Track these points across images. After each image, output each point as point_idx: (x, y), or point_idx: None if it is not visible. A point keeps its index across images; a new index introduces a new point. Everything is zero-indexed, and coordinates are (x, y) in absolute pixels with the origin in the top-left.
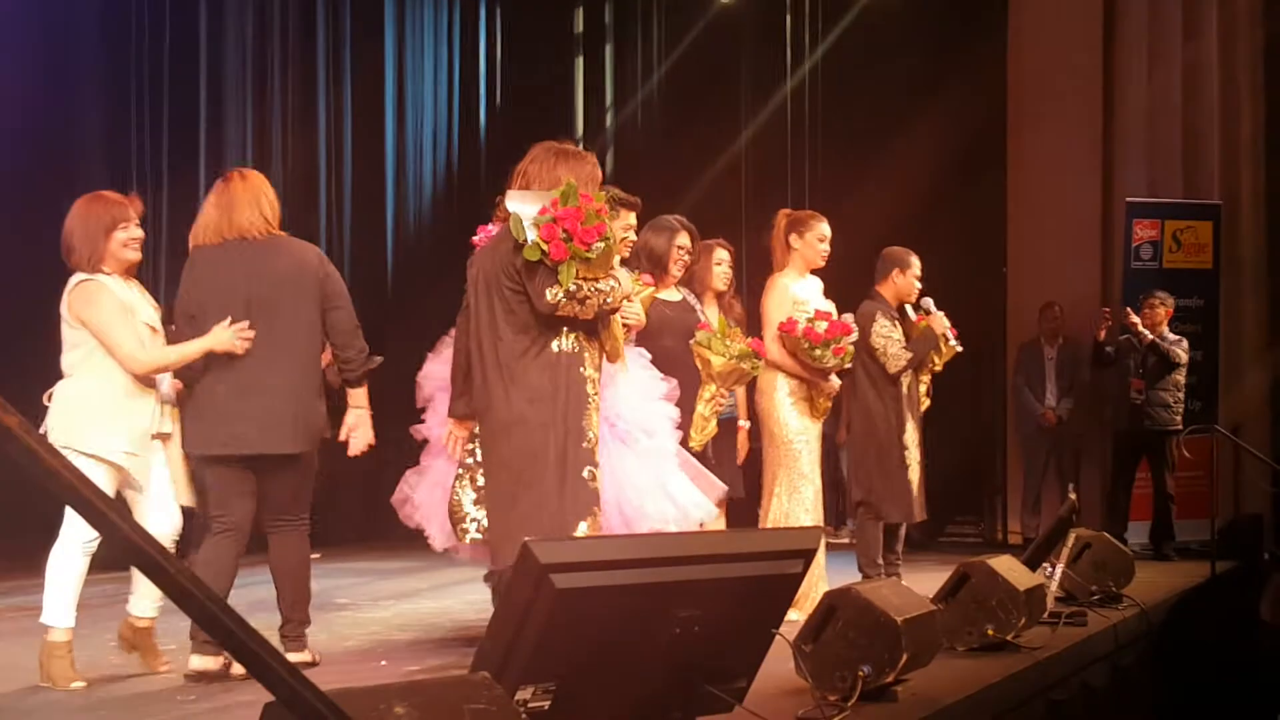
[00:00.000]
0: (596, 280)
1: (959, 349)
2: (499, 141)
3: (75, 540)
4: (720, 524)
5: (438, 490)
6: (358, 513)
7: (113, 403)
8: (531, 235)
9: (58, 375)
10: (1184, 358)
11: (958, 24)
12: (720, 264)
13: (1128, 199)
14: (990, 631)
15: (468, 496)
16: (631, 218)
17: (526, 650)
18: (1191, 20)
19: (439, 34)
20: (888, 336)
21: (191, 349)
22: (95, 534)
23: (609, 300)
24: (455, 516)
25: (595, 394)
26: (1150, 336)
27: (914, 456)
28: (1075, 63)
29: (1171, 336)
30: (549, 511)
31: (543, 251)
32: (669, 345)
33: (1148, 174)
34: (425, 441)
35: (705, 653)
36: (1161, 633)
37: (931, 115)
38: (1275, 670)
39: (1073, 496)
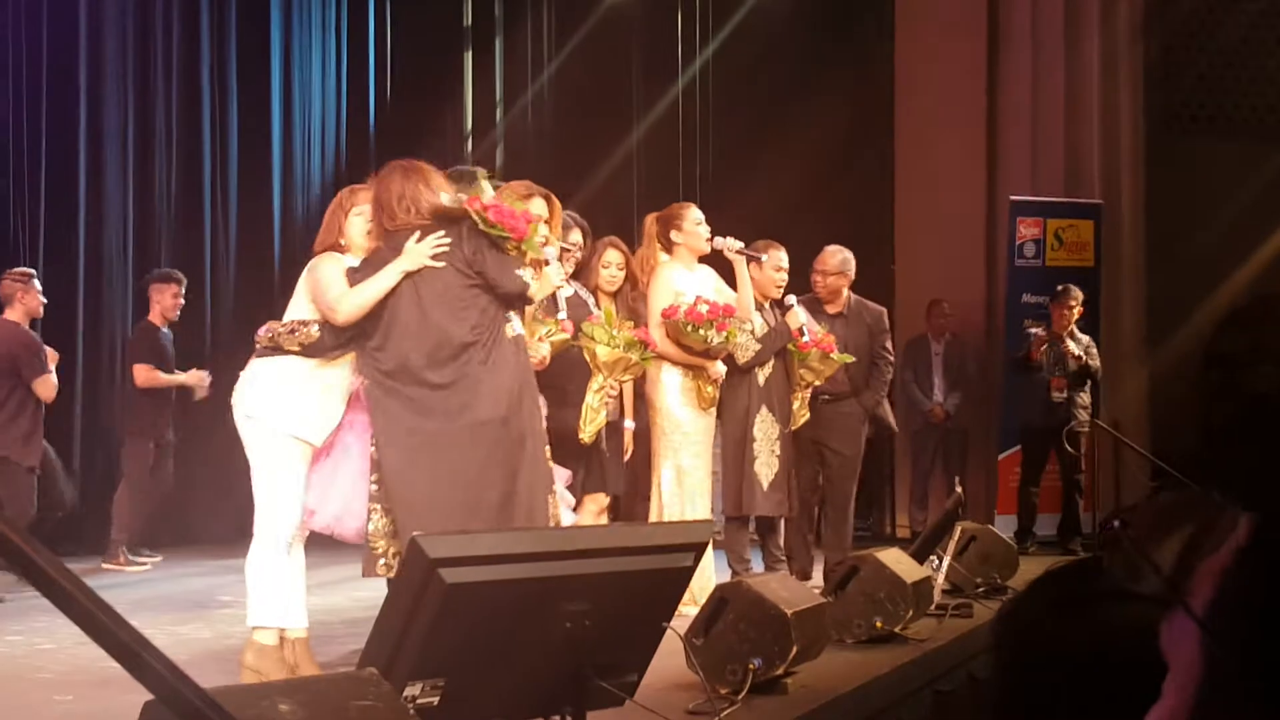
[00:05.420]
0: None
1: (849, 359)
2: (388, 134)
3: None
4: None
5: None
6: (239, 510)
7: (311, 387)
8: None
9: None
10: (1098, 363)
11: (845, 24)
12: (608, 266)
13: (1011, 197)
14: (879, 624)
15: (380, 527)
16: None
17: (415, 646)
18: (1074, 26)
19: (326, 25)
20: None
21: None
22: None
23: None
24: (372, 550)
25: None
26: (1084, 359)
27: (765, 449)
28: (960, 63)
29: (1083, 338)
30: (540, 494)
31: (503, 234)
32: None
33: (1031, 173)
34: None
35: (596, 647)
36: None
37: (819, 114)
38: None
39: (959, 490)
